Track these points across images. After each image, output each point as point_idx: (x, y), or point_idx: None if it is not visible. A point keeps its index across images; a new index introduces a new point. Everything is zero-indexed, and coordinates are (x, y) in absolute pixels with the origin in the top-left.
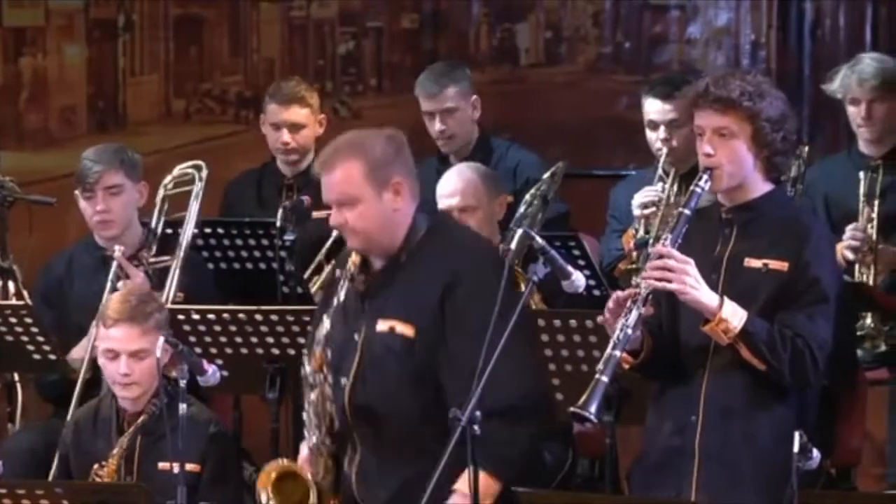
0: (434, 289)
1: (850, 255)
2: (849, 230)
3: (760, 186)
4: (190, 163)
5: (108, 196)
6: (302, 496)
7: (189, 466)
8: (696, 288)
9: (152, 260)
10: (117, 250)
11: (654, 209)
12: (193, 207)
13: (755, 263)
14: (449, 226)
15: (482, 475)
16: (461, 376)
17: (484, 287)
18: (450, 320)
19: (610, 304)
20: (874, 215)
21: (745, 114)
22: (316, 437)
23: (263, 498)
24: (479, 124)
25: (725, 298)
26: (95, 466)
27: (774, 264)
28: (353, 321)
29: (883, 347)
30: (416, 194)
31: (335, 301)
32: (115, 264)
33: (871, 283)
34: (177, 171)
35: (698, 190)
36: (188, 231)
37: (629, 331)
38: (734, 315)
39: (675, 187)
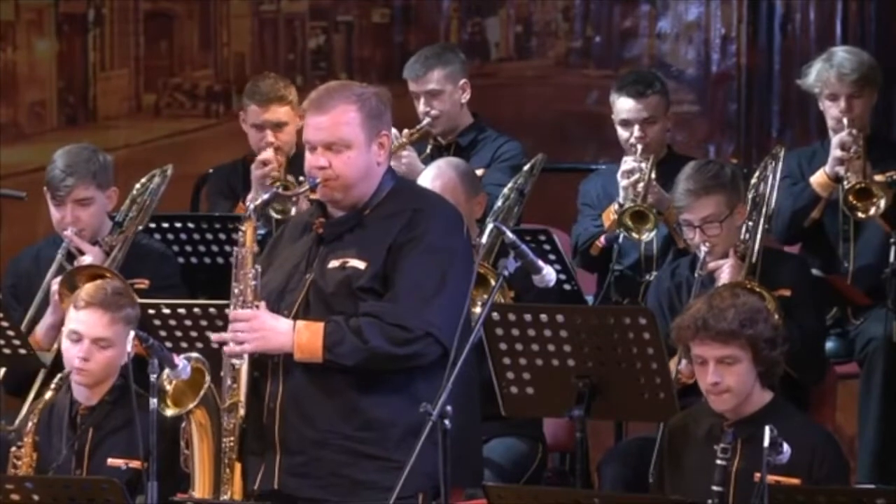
0: (394, 227)
1: (839, 153)
2: (844, 132)
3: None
4: (158, 169)
5: (77, 207)
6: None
7: (133, 464)
8: None
9: (108, 238)
10: (70, 230)
11: (638, 175)
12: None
13: None
14: (412, 185)
15: (319, 325)
16: (398, 295)
17: (440, 225)
18: (402, 246)
19: None
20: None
21: (745, 341)
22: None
23: (169, 413)
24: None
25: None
26: (13, 449)
27: None
28: (304, 267)
29: None
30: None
31: (282, 253)
32: (66, 242)
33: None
34: (145, 178)
35: None
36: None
37: None
38: None
39: (654, 173)
